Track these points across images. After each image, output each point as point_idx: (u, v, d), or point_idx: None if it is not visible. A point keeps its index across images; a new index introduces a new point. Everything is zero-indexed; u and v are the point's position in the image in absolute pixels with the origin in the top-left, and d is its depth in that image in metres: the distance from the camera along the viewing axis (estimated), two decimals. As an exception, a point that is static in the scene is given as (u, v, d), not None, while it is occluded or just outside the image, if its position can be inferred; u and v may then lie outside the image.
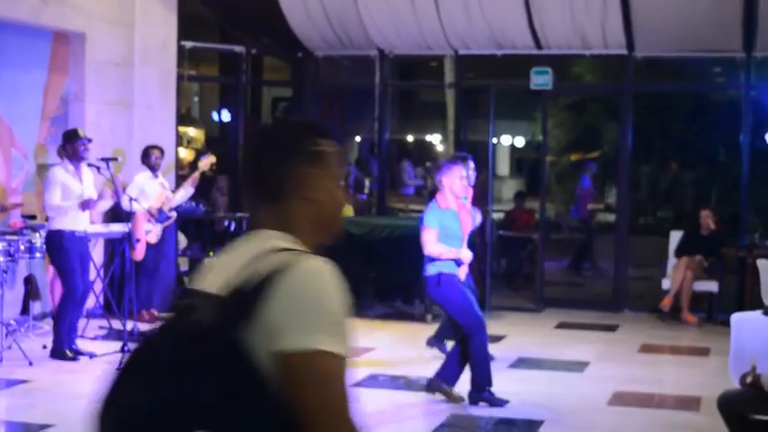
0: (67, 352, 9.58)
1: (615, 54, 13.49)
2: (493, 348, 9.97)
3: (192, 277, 2.30)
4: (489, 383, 8.17)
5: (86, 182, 9.76)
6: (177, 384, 2.12)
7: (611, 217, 16.20)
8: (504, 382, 9.13)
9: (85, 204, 9.60)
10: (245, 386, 2.13)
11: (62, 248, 9.54)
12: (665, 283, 12.67)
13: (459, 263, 8.19)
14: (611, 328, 12.07)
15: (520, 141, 22.57)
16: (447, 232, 8.16)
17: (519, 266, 15.17)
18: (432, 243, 8.12)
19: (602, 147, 21.23)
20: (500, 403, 8.09)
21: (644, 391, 8.86)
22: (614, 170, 14.93)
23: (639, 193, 19.54)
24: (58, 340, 9.62)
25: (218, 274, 2.32)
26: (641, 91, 14.04)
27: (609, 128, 19.85)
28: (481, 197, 14.02)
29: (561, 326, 12.19)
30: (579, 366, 9.85)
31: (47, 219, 9.75)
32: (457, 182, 8.22)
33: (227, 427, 2.13)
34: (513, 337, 11.25)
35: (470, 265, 8.60)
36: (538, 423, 7.68)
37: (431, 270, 8.16)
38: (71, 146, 9.67)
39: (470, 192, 9.33)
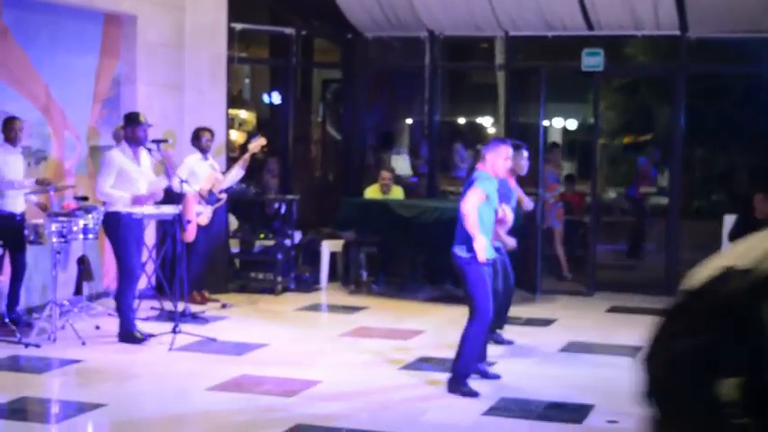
0: (136, 334, 9.64)
1: (668, 35, 13.34)
2: (544, 332, 9.95)
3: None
4: (465, 374, 8.00)
5: (144, 165, 9.82)
6: (710, 337, 2.31)
7: (663, 200, 16.05)
8: (554, 365, 9.10)
9: (137, 200, 9.64)
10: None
11: (119, 231, 9.61)
12: (719, 267, 12.51)
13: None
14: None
15: (571, 124, 22.41)
16: (487, 203, 8.02)
17: (571, 250, 15.05)
18: (474, 206, 7.88)
19: (655, 129, 21.03)
20: (475, 394, 7.91)
21: (696, 375, 8.76)
22: (667, 153, 14.77)
23: (692, 176, 19.33)
24: (126, 323, 9.67)
25: (746, 251, 2.44)
26: (694, 72, 13.86)
27: (661, 110, 19.65)
28: (531, 180, 13.96)
29: (613, 310, 12.11)
30: (631, 351, 9.75)
31: (103, 202, 9.82)
32: (500, 161, 8.06)
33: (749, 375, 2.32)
34: (564, 321, 11.19)
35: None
36: (588, 407, 7.63)
37: (463, 253, 7.98)
38: (132, 129, 9.71)
39: (512, 180, 9.26)
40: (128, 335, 9.61)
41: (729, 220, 12.84)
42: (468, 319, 7.97)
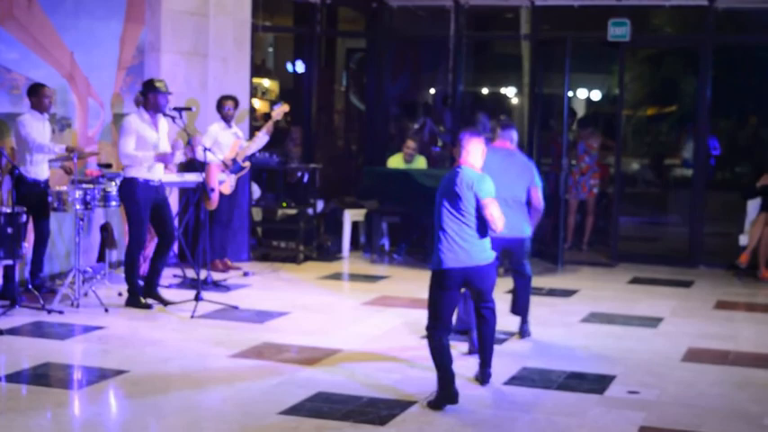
0: (141, 299, 9.71)
1: (695, 5, 13.24)
2: (566, 303, 9.95)
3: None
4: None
5: (162, 132, 9.83)
6: None
7: (687, 172, 15.96)
8: (575, 336, 9.10)
9: (162, 158, 9.66)
10: None
11: (134, 197, 9.63)
12: (743, 240, 12.47)
13: None
14: (686, 284, 11.93)
15: (596, 95, 22.27)
16: None
17: (594, 221, 14.99)
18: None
19: (680, 101, 20.88)
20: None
21: (718, 347, 8.75)
22: (692, 124, 14.67)
23: (718, 147, 19.20)
24: (132, 289, 9.74)
25: None
26: (721, 43, 13.75)
27: (687, 81, 19.50)
28: (556, 151, 13.90)
29: (635, 281, 12.08)
30: (653, 322, 9.75)
31: (123, 167, 9.84)
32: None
33: None
34: (586, 292, 11.17)
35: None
36: (610, 378, 7.63)
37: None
38: (152, 96, 9.72)
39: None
40: (134, 300, 9.71)
41: (753, 205, 12.75)
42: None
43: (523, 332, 8.95)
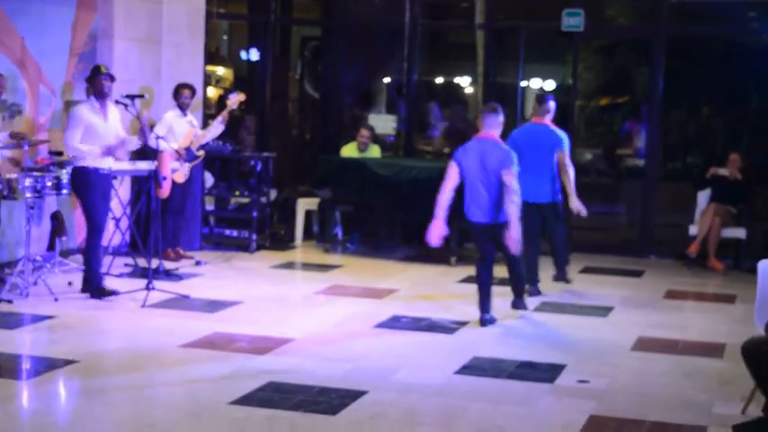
0: (105, 288, 9.63)
1: (649, -4, 13.31)
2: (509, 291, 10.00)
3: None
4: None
5: (112, 119, 9.73)
6: None
7: (639, 162, 16.07)
8: (527, 325, 9.15)
9: (108, 150, 9.58)
10: None
11: (87, 186, 9.55)
12: (693, 230, 12.59)
13: None
14: (637, 274, 12.03)
15: (550, 85, 22.36)
16: None
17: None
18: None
19: (633, 91, 20.99)
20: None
21: (668, 337, 8.83)
22: (644, 115, 14.77)
23: (669, 138, 19.34)
24: (94, 278, 9.65)
25: None
26: (674, 34, 13.85)
27: (640, 72, 19.61)
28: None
29: (586, 270, 12.16)
30: (603, 311, 9.82)
31: (71, 156, 9.75)
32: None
33: None
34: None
35: None
36: (560, 367, 7.67)
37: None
38: (93, 81, 9.64)
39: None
40: (97, 289, 9.59)
41: (703, 195, 12.88)
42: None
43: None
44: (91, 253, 9.64)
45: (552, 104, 10.43)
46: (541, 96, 10.78)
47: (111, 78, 9.69)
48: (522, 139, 10.35)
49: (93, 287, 9.62)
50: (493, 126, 8.94)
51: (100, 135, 9.55)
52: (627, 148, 17.10)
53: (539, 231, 10.42)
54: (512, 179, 8.71)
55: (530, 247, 9.93)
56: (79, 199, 9.74)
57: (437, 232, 8.87)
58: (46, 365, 7.35)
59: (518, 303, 9.43)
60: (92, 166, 9.55)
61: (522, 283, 9.46)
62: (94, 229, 9.63)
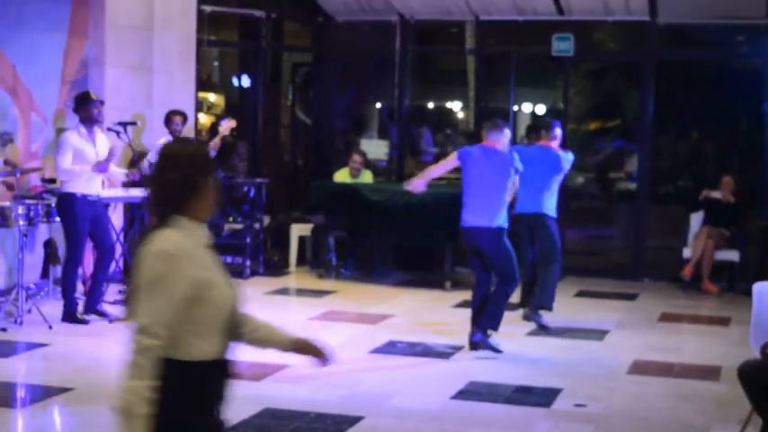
0: (78, 315, 9.62)
1: (638, 20, 13.39)
2: (513, 315, 9.98)
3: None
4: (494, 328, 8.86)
5: (100, 146, 9.73)
6: None
7: (631, 185, 16.10)
8: (522, 349, 9.14)
9: (99, 167, 9.58)
10: None
11: (71, 212, 9.54)
12: (686, 252, 12.61)
13: None
14: (631, 297, 12.03)
15: (540, 109, 22.43)
16: None
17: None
18: None
19: (623, 115, 21.06)
20: (497, 350, 8.78)
21: (664, 360, 8.83)
22: (635, 138, 14.82)
23: (660, 161, 19.41)
24: (69, 304, 9.65)
25: None
26: (663, 58, 13.91)
27: (630, 96, 19.68)
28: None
29: (581, 294, 12.16)
30: (599, 335, 9.82)
31: (62, 181, 9.74)
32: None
33: None
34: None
35: None
36: (556, 391, 7.66)
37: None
38: (84, 109, 9.64)
39: None
40: (70, 315, 9.59)
41: (696, 218, 12.91)
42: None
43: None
44: (65, 278, 9.64)
45: (559, 131, 10.38)
46: (548, 122, 10.76)
47: (101, 104, 9.72)
48: (526, 155, 10.02)
49: (66, 313, 9.62)
50: (498, 140, 8.94)
51: (89, 161, 9.54)
52: (619, 172, 17.13)
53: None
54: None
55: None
56: (63, 224, 9.72)
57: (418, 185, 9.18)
58: (41, 393, 7.32)
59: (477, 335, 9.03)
60: (79, 193, 9.53)
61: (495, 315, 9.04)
62: (73, 255, 9.62)
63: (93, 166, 9.53)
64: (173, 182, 3.45)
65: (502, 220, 8.79)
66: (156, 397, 3.33)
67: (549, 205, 10.14)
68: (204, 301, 3.43)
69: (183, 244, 3.42)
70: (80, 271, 10.09)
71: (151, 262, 3.37)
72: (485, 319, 8.81)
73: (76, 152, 9.53)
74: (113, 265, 10.34)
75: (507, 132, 9.04)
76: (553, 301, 10.06)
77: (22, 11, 11.10)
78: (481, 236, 8.78)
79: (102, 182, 9.98)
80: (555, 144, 10.37)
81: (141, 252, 3.41)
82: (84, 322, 9.59)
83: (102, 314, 9.75)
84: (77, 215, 9.54)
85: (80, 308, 9.81)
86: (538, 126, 11.26)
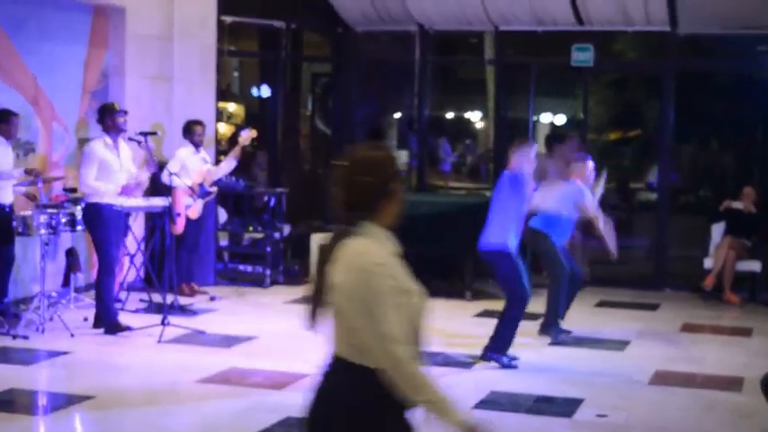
0: (120, 323, 9.63)
1: (657, 30, 13.36)
2: (533, 326, 9.95)
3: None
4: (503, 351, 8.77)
5: (124, 156, 9.78)
6: None
7: (652, 196, 16.07)
8: (543, 359, 9.11)
9: (125, 191, 9.65)
10: None
11: (100, 222, 9.57)
12: (708, 263, 12.56)
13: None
14: (653, 307, 11.99)
15: (560, 119, 22.42)
16: None
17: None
18: None
19: (644, 125, 21.04)
20: (514, 365, 8.71)
21: (686, 370, 8.79)
22: (655, 149, 14.79)
23: (681, 171, 19.37)
24: (110, 314, 9.64)
25: None
26: (683, 69, 13.88)
27: (650, 106, 19.67)
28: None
29: (602, 304, 12.12)
30: (620, 345, 9.78)
31: (85, 193, 9.79)
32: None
33: None
34: (553, 315, 11.18)
35: None
36: (578, 401, 7.64)
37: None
38: (110, 119, 9.68)
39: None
40: (112, 325, 9.58)
41: (717, 228, 12.86)
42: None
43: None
44: (103, 289, 9.63)
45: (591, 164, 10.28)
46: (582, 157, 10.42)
47: (126, 113, 9.78)
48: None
49: (108, 323, 9.61)
50: (512, 159, 8.94)
51: (114, 171, 9.60)
52: (639, 182, 17.11)
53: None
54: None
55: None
56: (92, 235, 9.76)
57: None
58: (63, 401, 7.34)
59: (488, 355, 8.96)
60: (105, 203, 9.58)
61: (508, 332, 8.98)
62: (107, 265, 9.63)
63: (119, 190, 9.61)
64: (365, 186, 3.39)
65: (502, 241, 8.68)
66: (355, 403, 3.31)
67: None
68: (403, 309, 3.34)
69: (386, 252, 3.36)
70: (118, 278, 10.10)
71: (369, 276, 3.28)
72: (491, 341, 8.83)
73: (102, 163, 9.58)
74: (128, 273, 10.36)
75: (524, 150, 8.91)
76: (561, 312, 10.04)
77: (43, 22, 11.16)
78: (485, 257, 8.91)
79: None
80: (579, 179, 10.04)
81: (342, 260, 3.34)
82: (127, 329, 9.58)
83: (120, 328, 9.71)
84: (105, 224, 9.58)
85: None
86: (557, 136, 11.17)
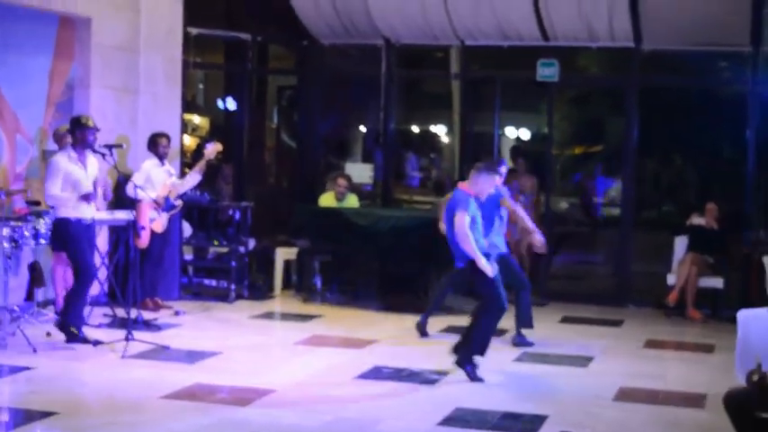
0: (72, 329, 9.57)
1: (622, 46, 13.46)
2: (498, 342, 9.98)
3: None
4: (480, 353, 8.91)
5: (91, 169, 9.71)
6: None
7: (615, 211, 16.16)
8: (508, 376, 9.12)
9: (86, 197, 9.55)
10: None
11: (70, 236, 9.52)
12: (671, 279, 12.63)
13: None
14: (616, 323, 12.04)
15: (525, 134, 22.51)
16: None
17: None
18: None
19: (607, 140, 21.15)
20: (478, 379, 8.75)
21: (649, 387, 8.83)
22: (618, 164, 14.87)
23: (644, 187, 19.49)
24: (78, 321, 9.60)
25: None
26: (647, 85, 13.98)
27: (614, 121, 19.77)
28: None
29: (565, 320, 12.17)
30: (583, 361, 9.82)
31: (51, 206, 9.71)
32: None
33: None
34: (517, 331, 11.21)
35: None
36: (542, 418, 7.65)
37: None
38: (81, 133, 9.60)
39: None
40: (80, 338, 9.53)
41: (680, 244, 12.96)
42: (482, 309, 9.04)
43: None
44: (76, 297, 9.58)
45: (504, 169, 10.49)
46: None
47: (98, 131, 9.71)
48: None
49: (68, 329, 9.55)
50: (468, 180, 9.03)
51: (79, 184, 9.52)
52: (603, 197, 17.19)
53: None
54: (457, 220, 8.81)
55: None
56: (65, 251, 9.70)
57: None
58: (24, 418, 7.26)
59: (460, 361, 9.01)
60: (74, 217, 9.52)
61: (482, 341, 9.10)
62: (88, 275, 9.61)
63: (80, 197, 9.51)
64: None
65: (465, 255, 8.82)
66: None
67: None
68: None
69: None
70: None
71: None
72: (463, 347, 8.93)
73: (66, 176, 9.50)
74: (92, 288, 10.29)
75: (475, 175, 9.02)
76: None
77: (8, 33, 11.09)
78: (462, 272, 9.07)
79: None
80: (498, 180, 10.15)
81: None
82: (87, 341, 9.53)
83: (86, 340, 9.65)
84: (77, 237, 9.53)
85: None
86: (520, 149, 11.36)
